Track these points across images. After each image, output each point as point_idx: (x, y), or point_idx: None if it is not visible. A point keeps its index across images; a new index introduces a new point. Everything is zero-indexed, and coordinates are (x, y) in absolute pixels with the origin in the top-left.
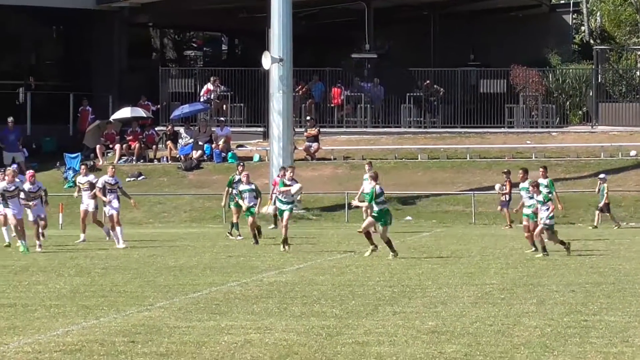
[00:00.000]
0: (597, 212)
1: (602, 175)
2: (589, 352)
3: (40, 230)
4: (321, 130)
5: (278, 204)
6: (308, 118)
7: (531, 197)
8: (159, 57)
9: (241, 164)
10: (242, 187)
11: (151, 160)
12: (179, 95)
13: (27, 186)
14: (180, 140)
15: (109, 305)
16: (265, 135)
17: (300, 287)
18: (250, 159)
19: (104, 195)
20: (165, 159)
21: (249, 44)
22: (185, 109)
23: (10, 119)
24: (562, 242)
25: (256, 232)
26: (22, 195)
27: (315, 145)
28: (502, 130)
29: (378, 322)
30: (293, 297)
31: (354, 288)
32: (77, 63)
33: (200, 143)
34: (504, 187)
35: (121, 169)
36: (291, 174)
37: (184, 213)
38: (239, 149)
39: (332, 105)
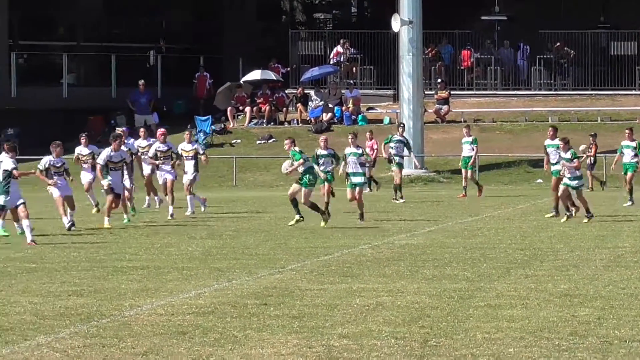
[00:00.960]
0: None
1: None
2: None
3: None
4: (451, 92)
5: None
6: (439, 80)
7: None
8: (289, 19)
9: (402, 124)
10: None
11: (281, 123)
12: (308, 57)
13: (157, 145)
14: (310, 103)
15: (241, 268)
16: (395, 98)
17: (432, 249)
18: (381, 121)
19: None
20: (295, 121)
21: (379, 6)
22: (315, 71)
23: (141, 82)
24: (587, 209)
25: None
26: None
27: (445, 107)
28: (633, 92)
29: (510, 285)
30: (424, 260)
31: (485, 251)
32: (208, 26)
33: (330, 105)
34: (590, 149)
35: (251, 132)
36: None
37: None
38: (369, 111)
39: (462, 67)
